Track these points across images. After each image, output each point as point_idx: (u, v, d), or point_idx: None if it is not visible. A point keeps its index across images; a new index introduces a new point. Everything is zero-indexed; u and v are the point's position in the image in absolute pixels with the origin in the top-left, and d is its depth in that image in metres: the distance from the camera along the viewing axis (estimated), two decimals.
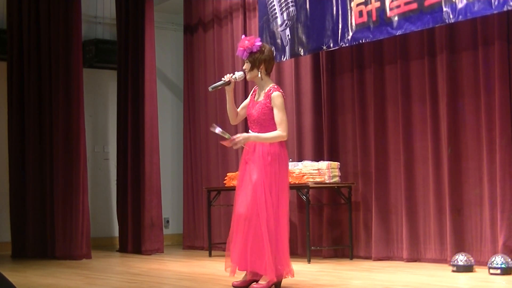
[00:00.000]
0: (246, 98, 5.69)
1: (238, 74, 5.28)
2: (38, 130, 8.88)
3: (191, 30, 9.94)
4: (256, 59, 5.24)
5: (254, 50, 5.23)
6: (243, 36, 5.36)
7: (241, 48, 5.24)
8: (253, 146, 5.22)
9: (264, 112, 5.20)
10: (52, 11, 8.87)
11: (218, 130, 5.14)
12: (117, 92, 9.58)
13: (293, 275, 5.28)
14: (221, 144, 9.12)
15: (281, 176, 5.18)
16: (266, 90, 5.24)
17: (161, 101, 9.75)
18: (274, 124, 5.19)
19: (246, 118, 5.53)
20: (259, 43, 5.25)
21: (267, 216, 5.06)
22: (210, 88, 5.28)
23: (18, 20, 8.97)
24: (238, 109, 5.44)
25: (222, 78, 5.29)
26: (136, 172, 9.17)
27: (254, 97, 5.35)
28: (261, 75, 5.26)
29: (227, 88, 5.27)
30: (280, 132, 5.15)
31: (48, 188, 8.75)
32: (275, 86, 5.28)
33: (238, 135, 5.20)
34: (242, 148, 5.28)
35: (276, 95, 5.19)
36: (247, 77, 5.31)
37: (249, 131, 5.30)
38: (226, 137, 5.15)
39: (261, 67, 5.25)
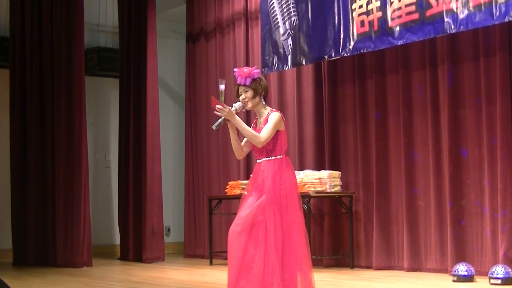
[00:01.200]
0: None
1: (237, 105, 5.15)
2: (40, 138, 8.91)
3: (193, 39, 9.96)
4: (258, 86, 5.18)
5: (255, 77, 5.18)
6: (236, 69, 5.25)
7: (243, 76, 5.17)
8: (261, 173, 5.14)
9: None
10: (54, 18, 8.91)
11: (221, 88, 4.99)
12: (119, 100, 9.60)
13: None
14: (223, 153, 9.26)
15: (292, 196, 5.10)
16: (265, 115, 5.19)
17: (163, 110, 9.77)
18: (279, 145, 5.12)
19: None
20: (258, 70, 5.23)
21: (278, 231, 5.01)
22: (213, 127, 5.13)
23: (20, 28, 9.01)
24: (242, 143, 5.36)
25: (216, 112, 5.13)
26: (138, 180, 9.18)
27: (256, 127, 5.30)
28: (263, 102, 5.19)
29: (229, 124, 5.16)
30: (260, 136, 5.05)
31: (49, 195, 8.77)
32: (273, 109, 5.23)
33: (228, 107, 5.01)
34: (221, 123, 4.98)
35: (273, 115, 5.10)
36: (249, 106, 5.14)
37: (257, 161, 5.23)
38: (220, 100, 4.98)
39: (262, 94, 5.21)
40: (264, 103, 5.21)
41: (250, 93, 5.14)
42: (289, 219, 5.06)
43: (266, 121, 5.10)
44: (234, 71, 5.17)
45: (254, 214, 4.98)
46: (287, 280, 4.98)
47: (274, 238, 4.96)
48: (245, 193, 5.25)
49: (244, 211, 5.07)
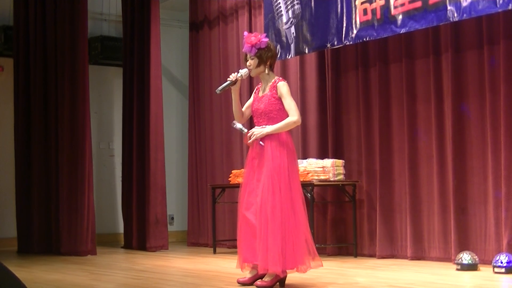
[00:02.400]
0: (251, 94, 5.69)
1: (243, 72, 5.31)
2: (44, 127, 8.92)
3: (196, 28, 9.95)
4: (264, 55, 5.28)
5: (262, 46, 5.27)
6: (246, 32, 5.36)
7: (249, 44, 5.26)
8: (259, 141, 5.23)
9: (271, 103, 5.22)
10: (58, 8, 8.90)
11: (238, 126, 5.14)
12: (123, 89, 9.60)
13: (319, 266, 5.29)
14: (227, 141, 9.27)
15: (291, 168, 5.19)
16: (271, 83, 5.28)
17: (166, 98, 9.77)
18: (282, 115, 5.23)
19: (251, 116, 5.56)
20: (266, 39, 5.29)
21: (277, 210, 5.07)
22: (217, 91, 5.27)
23: (24, 17, 9.00)
24: (243, 109, 5.46)
25: (228, 78, 5.30)
26: (141, 168, 9.18)
27: (258, 93, 5.38)
28: (267, 70, 5.30)
29: (233, 88, 5.29)
30: (292, 118, 5.16)
31: (53, 184, 8.78)
32: (280, 78, 5.34)
33: (252, 129, 5.18)
34: (260, 145, 5.21)
35: (282, 84, 5.26)
36: (252, 73, 5.33)
37: (255, 126, 5.32)
38: (244, 133, 5.14)
39: (268, 63, 5.29)
40: (268, 71, 5.29)
41: (254, 62, 5.26)
42: (292, 191, 5.14)
43: (272, 89, 5.22)
44: (244, 35, 5.27)
45: (261, 205, 5.05)
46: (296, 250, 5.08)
47: (280, 215, 5.04)
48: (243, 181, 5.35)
49: (250, 198, 5.13)
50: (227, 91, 5.43)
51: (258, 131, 5.19)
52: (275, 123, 5.22)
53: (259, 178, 5.17)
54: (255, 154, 5.26)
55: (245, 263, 5.28)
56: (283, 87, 5.23)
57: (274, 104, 5.22)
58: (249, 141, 5.18)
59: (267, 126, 5.21)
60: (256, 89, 5.45)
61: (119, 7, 9.76)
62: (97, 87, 10.10)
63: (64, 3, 8.83)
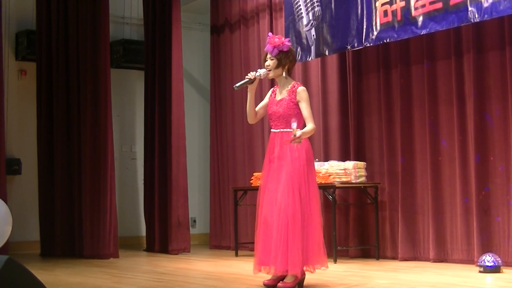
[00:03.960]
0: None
1: (262, 71, 5.36)
2: (66, 130, 8.99)
3: (217, 31, 9.99)
4: (284, 58, 5.35)
5: (284, 49, 5.34)
6: (270, 33, 5.42)
7: (271, 45, 5.32)
8: (279, 144, 5.29)
9: (290, 107, 5.29)
10: (80, 12, 8.97)
11: (294, 125, 5.16)
12: (144, 92, 9.65)
13: (323, 267, 5.33)
14: (248, 144, 9.29)
15: (309, 170, 5.25)
16: (289, 88, 5.35)
17: (187, 101, 9.81)
18: (299, 119, 5.30)
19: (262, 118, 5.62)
20: (289, 44, 5.36)
21: (298, 212, 5.12)
22: (235, 87, 5.35)
23: (47, 21, 9.09)
24: (257, 108, 5.51)
25: (246, 76, 5.35)
26: (163, 171, 9.23)
27: (275, 96, 5.43)
28: (285, 74, 5.36)
29: (250, 86, 5.36)
30: (312, 125, 5.25)
31: (76, 187, 8.85)
32: (298, 83, 5.41)
33: (300, 132, 5.14)
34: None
35: (302, 89, 5.33)
36: (270, 74, 5.38)
37: (272, 130, 5.38)
38: (294, 132, 5.13)
39: (286, 66, 5.35)
40: (286, 75, 5.36)
41: (273, 63, 5.34)
42: (309, 193, 5.19)
43: (290, 93, 5.29)
44: (268, 35, 5.34)
45: (280, 207, 5.10)
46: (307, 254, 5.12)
47: (300, 217, 5.08)
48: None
49: (270, 200, 5.17)
50: (246, 92, 5.46)
51: (302, 135, 5.14)
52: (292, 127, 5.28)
53: (278, 179, 5.22)
54: (273, 157, 5.31)
55: (261, 265, 5.30)
56: (304, 93, 5.31)
57: (293, 109, 5.29)
58: (296, 141, 5.13)
59: (299, 130, 5.19)
60: (272, 92, 5.49)
61: (141, 10, 9.83)
62: (119, 91, 10.18)
63: (86, 7, 8.91)
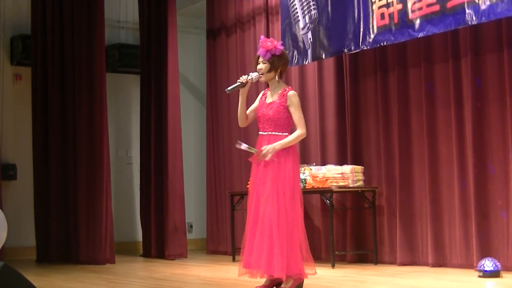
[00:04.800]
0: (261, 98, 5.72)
1: (254, 75, 5.37)
2: (62, 135, 8.96)
3: (213, 35, 9.98)
4: (277, 61, 5.36)
5: (277, 53, 5.35)
6: (263, 36, 5.42)
7: (264, 49, 5.33)
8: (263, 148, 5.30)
9: (280, 111, 5.32)
10: (75, 16, 8.96)
11: (244, 146, 5.21)
12: (140, 96, 9.64)
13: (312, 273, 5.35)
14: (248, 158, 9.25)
15: (295, 175, 5.27)
16: (280, 91, 5.36)
17: (184, 106, 9.79)
18: (289, 123, 5.34)
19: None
20: (281, 47, 5.36)
21: (283, 216, 5.14)
22: (226, 91, 5.38)
23: (42, 26, 9.06)
24: (248, 111, 5.53)
25: (238, 80, 5.35)
26: (159, 176, 9.21)
27: (266, 99, 5.45)
28: (277, 77, 5.37)
29: (241, 90, 5.38)
30: (300, 130, 5.30)
31: (71, 192, 8.83)
32: (289, 87, 5.43)
33: (265, 147, 5.24)
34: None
35: (292, 94, 5.36)
36: (262, 78, 5.41)
37: (260, 132, 5.39)
38: (253, 151, 5.20)
39: (278, 70, 5.36)
40: (278, 78, 5.37)
41: (266, 67, 5.36)
42: (293, 198, 5.21)
43: (281, 97, 5.31)
44: (260, 39, 5.35)
45: (266, 211, 5.12)
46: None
47: (286, 221, 5.10)
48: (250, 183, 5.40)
49: (258, 204, 5.18)
50: (235, 93, 5.47)
51: (270, 148, 5.21)
52: (281, 130, 5.33)
53: (264, 183, 5.24)
54: (259, 160, 5.32)
55: (246, 268, 5.33)
56: (294, 98, 5.33)
57: (282, 112, 5.31)
58: (266, 159, 5.20)
59: (276, 143, 5.23)
60: (263, 94, 5.52)
61: (136, 14, 9.81)
62: (114, 95, 10.15)
63: (81, 12, 8.90)
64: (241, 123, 5.56)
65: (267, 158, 5.21)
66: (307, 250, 5.33)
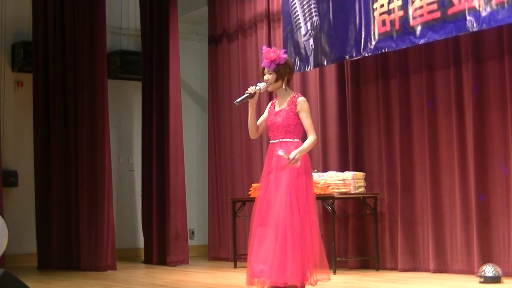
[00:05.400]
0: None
1: (262, 85, 5.39)
2: (63, 142, 8.99)
3: (215, 41, 10.03)
4: (282, 70, 5.37)
5: (281, 62, 5.37)
6: (265, 47, 5.45)
7: (268, 60, 5.35)
8: (276, 156, 5.30)
9: (289, 117, 5.31)
10: (77, 22, 9.00)
11: (281, 152, 5.20)
12: (142, 103, 9.67)
13: (325, 279, 5.34)
14: (246, 155, 9.31)
15: (307, 180, 5.27)
16: (289, 98, 5.38)
17: (185, 112, 9.84)
18: (299, 129, 5.33)
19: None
20: (285, 55, 5.38)
21: (297, 223, 5.13)
22: (235, 103, 5.36)
23: (43, 32, 9.12)
24: (258, 122, 5.53)
25: (246, 91, 5.37)
26: (161, 183, 9.24)
27: (274, 107, 5.47)
28: (284, 86, 5.39)
29: (250, 101, 5.37)
30: (313, 136, 5.30)
31: (73, 199, 8.85)
32: (298, 93, 5.44)
33: (294, 153, 5.20)
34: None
35: (302, 100, 5.36)
36: (270, 88, 5.41)
37: (270, 141, 5.40)
38: (287, 157, 5.19)
39: (285, 78, 5.39)
40: (286, 86, 5.40)
41: (272, 77, 5.38)
42: (307, 204, 5.21)
43: (290, 104, 5.33)
44: (263, 50, 5.38)
45: (279, 218, 5.11)
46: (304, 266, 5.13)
47: (300, 228, 5.10)
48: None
49: (268, 211, 5.19)
50: (244, 104, 5.49)
51: (297, 154, 5.18)
52: (291, 137, 5.32)
53: (277, 190, 5.23)
54: (271, 168, 5.33)
55: (254, 278, 5.28)
56: (304, 104, 5.34)
57: (292, 119, 5.31)
58: (297, 165, 5.18)
59: (299, 149, 5.21)
60: (271, 104, 5.52)
61: (138, 21, 9.86)
62: (116, 102, 10.19)
63: (83, 18, 8.94)
64: (252, 134, 5.55)
65: (298, 164, 5.20)
66: (323, 256, 5.31)
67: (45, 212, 8.97)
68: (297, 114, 5.32)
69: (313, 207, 5.30)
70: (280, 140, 5.34)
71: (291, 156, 5.16)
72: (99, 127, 8.71)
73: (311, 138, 5.28)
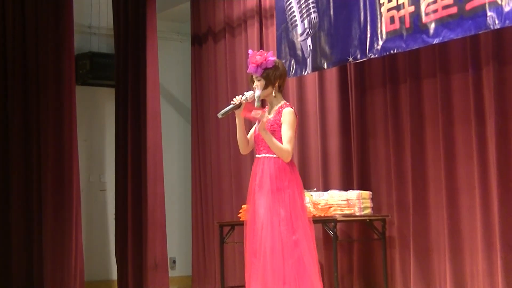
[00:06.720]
0: None
1: (249, 94, 5.39)
2: (24, 157, 8.97)
3: (199, 41, 10.03)
4: (271, 75, 5.37)
5: (269, 66, 5.37)
6: (251, 51, 5.46)
7: (254, 64, 5.36)
8: (260, 171, 5.32)
9: (273, 130, 5.32)
10: (39, 20, 8.99)
11: (257, 93, 5.25)
12: (115, 112, 9.67)
13: None
14: (236, 172, 9.28)
15: (293, 205, 5.26)
16: (277, 107, 5.38)
17: (165, 123, 9.84)
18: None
19: None
20: (273, 58, 5.38)
21: (279, 246, 5.15)
22: (219, 115, 5.37)
23: (1, 32, 9.07)
24: (248, 136, 5.54)
25: (231, 102, 5.37)
26: (138, 204, 9.22)
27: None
28: (275, 93, 5.39)
29: (237, 112, 5.37)
30: (286, 147, 5.27)
31: (36, 224, 8.82)
32: (288, 103, 5.43)
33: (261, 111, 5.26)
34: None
35: (288, 111, 5.35)
36: (259, 96, 5.40)
37: (256, 155, 5.41)
38: (256, 104, 5.22)
39: (276, 84, 5.38)
40: (276, 93, 5.40)
41: (261, 84, 5.38)
42: (293, 226, 5.22)
43: (277, 114, 5.33)
44: (248, 54, 5.38)
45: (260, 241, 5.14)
46: None
47: (281, 252, 5.12)
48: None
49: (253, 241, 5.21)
50: (231, 116, 5.49)
51: (263, 115, 5.25)
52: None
53: (259, 211, 5.25)
54: (254, 185, 5.34)
55: None
56: (288, 115, 5.32)
57: (276, 131, 5.32)
58: (257, 115, 5.22)
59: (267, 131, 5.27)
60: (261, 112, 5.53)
61: (110, 18, 9.86)
62: (86, 111, 10.15)
63: (46, 15, 8.94)
64: (242, 149, 5.55)
65: (260, 116, 5.20)
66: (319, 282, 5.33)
67: (4, 239, 8.92)
68: (281, 126, 5.33)
69: (304, 229, 5.29)
70: (264, 155, 5.35)
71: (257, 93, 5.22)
72: (66, 141, 8.71)
73: (286, 147, 5.26)
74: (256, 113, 5.22)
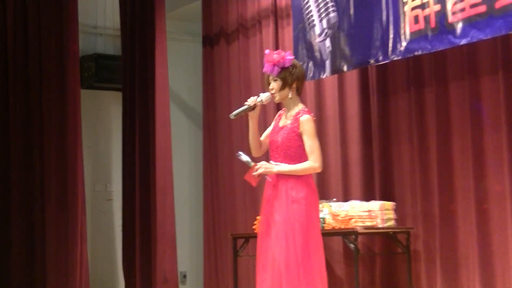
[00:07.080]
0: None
1: (265, 96, 5.38)
2: (26, 165, 8.99)
3: (211, 42, 10.03)
4: (289, 76, 5.36)
5: (286, 65, 5.35)
6: (268, 50, 5.42)
7: (270, 63, 5.33)
8: (274, 181, 5.27)
9: (290, 138, 5.31)
10: (43, 21, 9.03)
11: (244, 157, 5.20)
12: (122, 118, 9.69)
13: None
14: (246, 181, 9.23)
15: (310, 212, 5.25)
16: (294, 113, 5.37)
17: (175, 129, 9.85)
18: (301, 152, 5.32)
19: None
20: (291, 57, 5.35)
21: (295, 266, 5.13)
22: (231, 116, 5.37)
23: (2, 32, 9.07)
24: (262, 138, 5.53)
25: (246, 102, 5.34)
26: (146, 215, 9.25)
27: (279, 122, 5.45)
28: (291, 95, 5.35)
29: (250, 114, 5.37)
30: (311, 162, 5.27)
31: (38, 236, 8.84)
32: (305, 109, 5.40)
33: (262, 163, 5.24)
34: (264, 180, 5.36)
35: (306, 119, 5.33)
36: (276, 98, 5.42)
37: (270, 161, 5.36)
38: (250, 166, 5.20)
39: (293, 86, 5.34)
40: (293, 95, 5.36)
41: (278, 84, 5.39)
42: (308, 241, 5.20)
43: (294, 121, 5.30)
44: (265, 54, 5.34)
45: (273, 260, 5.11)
46: None
47: (296, 272, 5.11)
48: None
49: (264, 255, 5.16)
50: (245, 121, 5.45)
51: (268, 165, 5.24)
52: (292, 162, 5.30)
53: (271, 224, 5.23)
54: (269, 195, 5.32)
55: None
56: (307, 124, 5.31)
57: (293, 140, 5.30)
58: (254, 173, 5.22)
59: (281, 164, 5.22)
60: (278, 116, 5.54)
61: (117, 18, 9.89)
62: (91, 116, 10.16)
63: (50, 15, 8.96)
64: (255, 152, 5.56)
65: (257, 173, 5.19)
66: None
67: (4, 251, 8.91)
68: (300, 136, 5.28)
69: (316, 244, 5.27)
70: (278, 164, 5.32)
71: (258, 165, 5.14)
72: (70, 148, 8.74)
73: (308, 163, 5.26)
74: (256, 175, 5.26)
